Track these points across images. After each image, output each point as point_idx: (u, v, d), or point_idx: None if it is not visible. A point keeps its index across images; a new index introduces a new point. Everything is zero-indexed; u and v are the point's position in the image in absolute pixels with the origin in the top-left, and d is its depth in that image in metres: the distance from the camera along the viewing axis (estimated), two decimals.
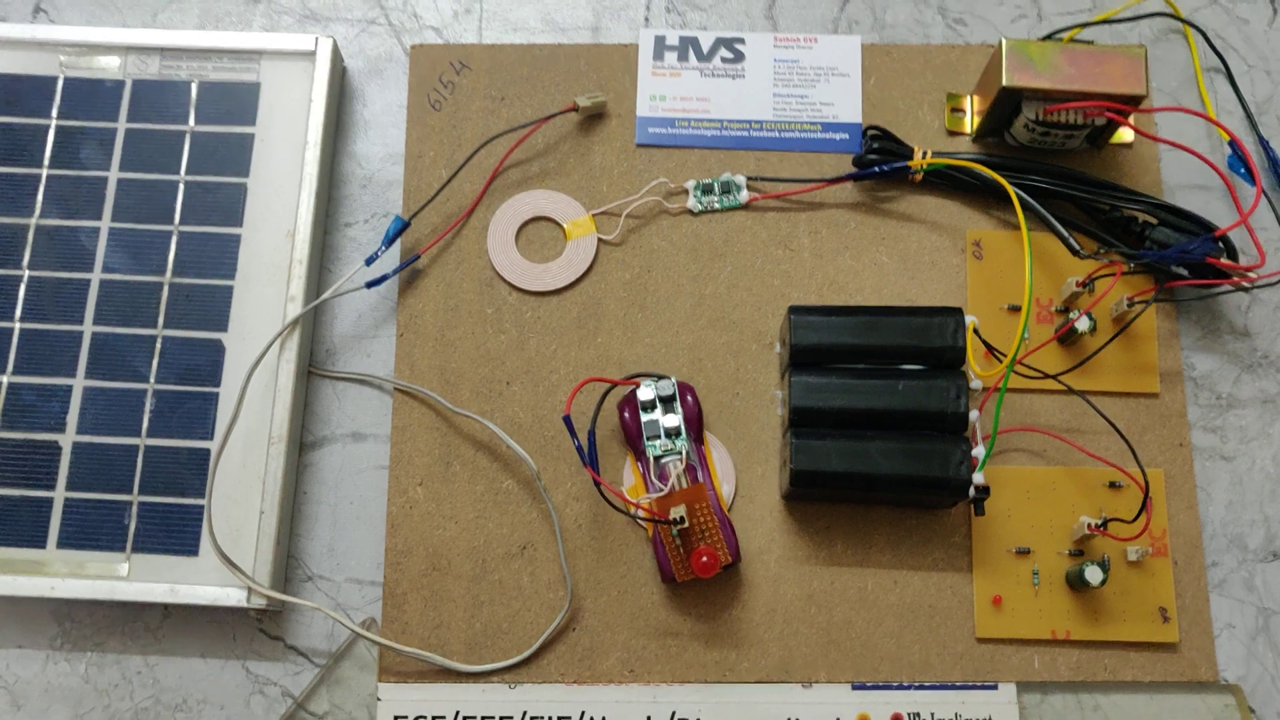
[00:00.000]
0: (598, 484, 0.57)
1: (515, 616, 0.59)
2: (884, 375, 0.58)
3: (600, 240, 0.64)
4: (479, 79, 0.66)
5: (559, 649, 0.59)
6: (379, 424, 0.62)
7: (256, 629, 0.60)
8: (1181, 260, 0.60)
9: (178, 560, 0.58)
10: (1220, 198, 0.64)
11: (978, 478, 0.56)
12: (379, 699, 0.58)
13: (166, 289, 0.62)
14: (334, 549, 0.61)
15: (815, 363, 0.59)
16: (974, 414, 0.57)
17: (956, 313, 0.58)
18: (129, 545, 0.58)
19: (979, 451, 0.57)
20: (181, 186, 0.63)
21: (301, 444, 0.62)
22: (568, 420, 0.56)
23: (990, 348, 0.60)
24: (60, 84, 0.65)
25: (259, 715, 0.58)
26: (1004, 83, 0.60)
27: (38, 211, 0.63)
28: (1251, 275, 0.60)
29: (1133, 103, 0.60)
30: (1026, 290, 0.56)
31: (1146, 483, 0.57)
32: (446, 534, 0.60)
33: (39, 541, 0.58)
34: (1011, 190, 0.59)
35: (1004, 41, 0.60)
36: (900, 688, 0.58)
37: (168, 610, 0.60)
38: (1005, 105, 0.62)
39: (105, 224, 0.63)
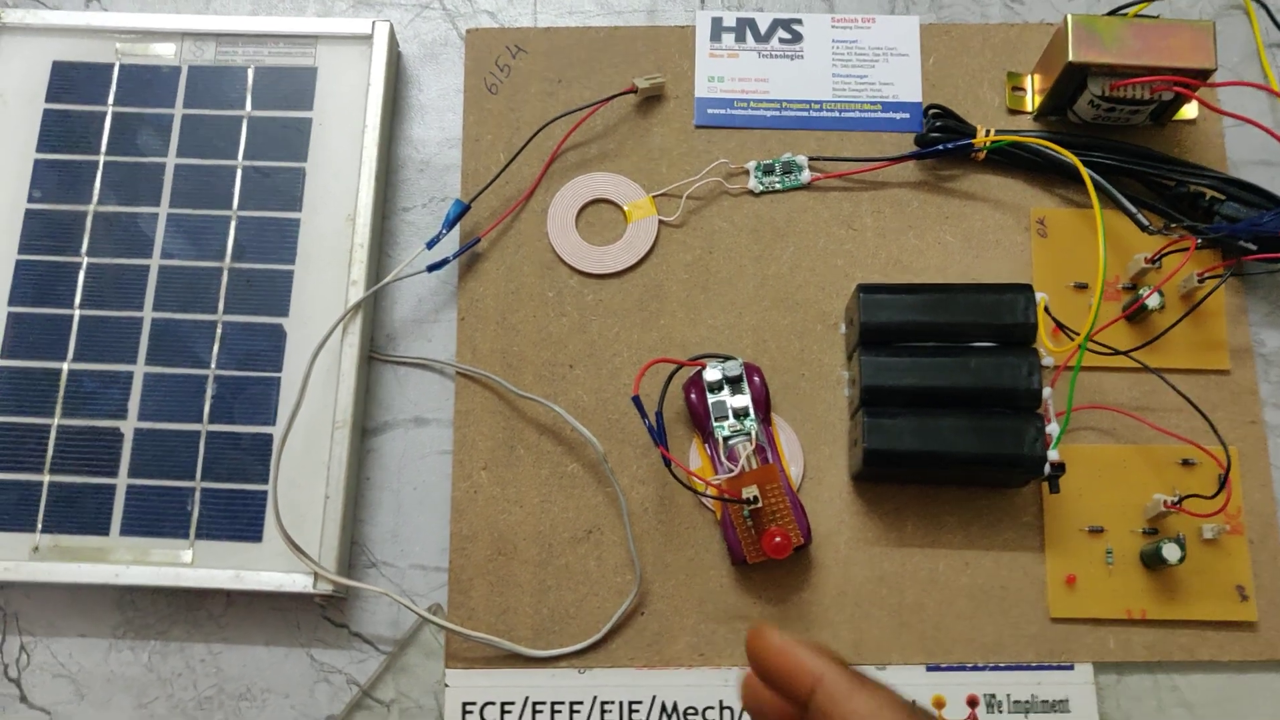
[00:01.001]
0: (669, 463, 0.56)
1: (583, 601, 0.58)
2: (954, 353, 0.57)
3: (661, 222, 0.63)
4: (535, 62, 0.66)
5: (628, 633, 0.58)
6: (441, 409, 0.61)
7: (320, 616, 0.59)
8: (1253, 234, 0.59)
9: (242, 546, 0.58)
10: None
11: (1053, 455, 0.55)
12: (446, 685, 0.57)
13: (226, 274, 0.61)
14: (398, 535, 0.60)
15: (884, 341, 0.58)
16: (1046, 391, 0.56)
17: (1027, 289, 0.57)
18: (192, 531, 0.58)
19: (1053, 429, 0.56)
20: (240, 171, 0.63)
21: (364, 429, 0.61)
22: (637, 400, 0.55)
23: (1060, 324, 0.59)
24: (116, 71, 0.64)
25: (324, 704, 0.58)
26: (1070, 58, 0.59)
27: (96, 198, 0.62)
28: None
29: (1201, 76, 0.59)
30: (1101, 266, 0.55)
31: (1229, 457, 0.56)
32: (512, 518, 0.59)
33: (102, 529, 0.58)
34: (1082, 166, 0.58)
35: (1069, 17, 0.59)
36: (975, 669, 0.57)
37: (230, 598, 0.59)
38: (1070, 81, 0.61)
39: (163, 210, 0.62)
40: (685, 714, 0.57)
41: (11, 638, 0.59)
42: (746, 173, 0.64)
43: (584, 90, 0.65)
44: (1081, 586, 0.58)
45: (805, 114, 0.65)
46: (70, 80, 0.64)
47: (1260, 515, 0.59)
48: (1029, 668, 0.57)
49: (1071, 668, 0.57)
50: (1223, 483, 0.56)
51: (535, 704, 0.57)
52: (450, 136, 0.66)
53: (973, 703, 0.57)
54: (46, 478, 0.58)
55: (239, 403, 0.59)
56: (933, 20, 0.67)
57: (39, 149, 0.63)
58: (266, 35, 0.65)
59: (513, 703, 0.57)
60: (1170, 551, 0.56)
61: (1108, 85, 0.60)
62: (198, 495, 0.58)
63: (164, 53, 0.65)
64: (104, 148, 0.63)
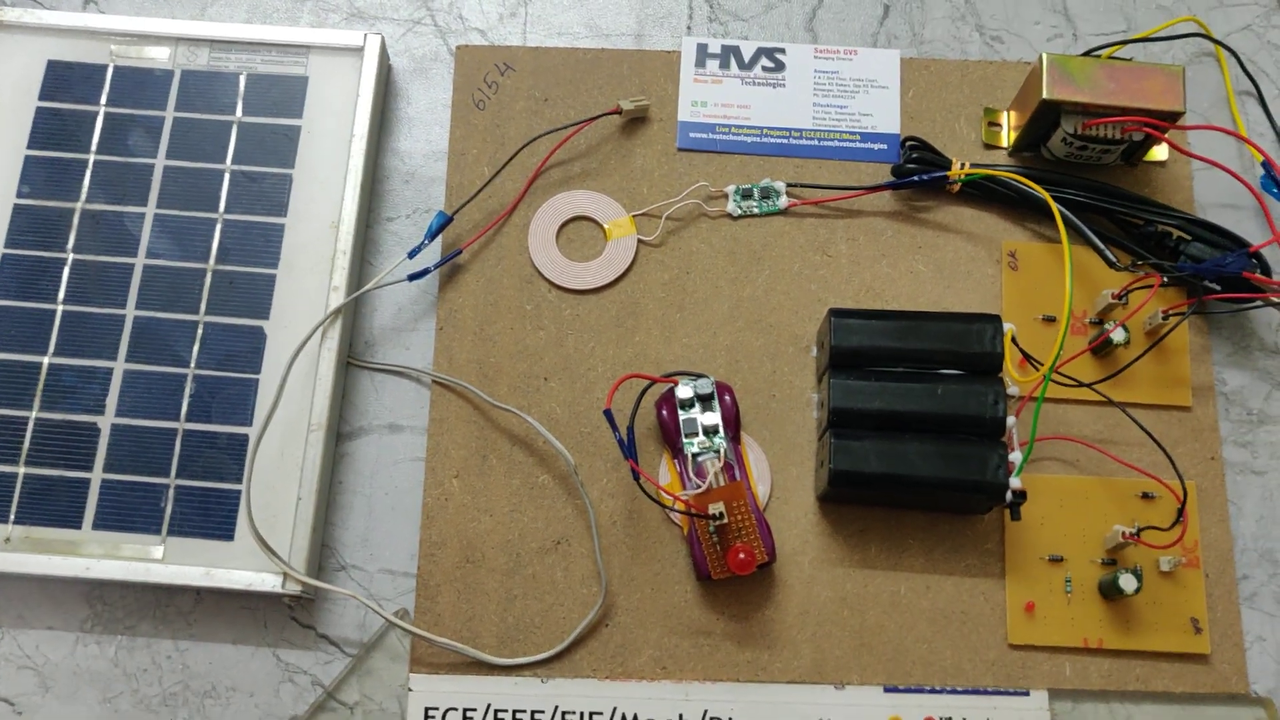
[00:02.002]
0: (637, 476, 0.57)
1: (548, 611, 0.59)
2: (922, 379, 0.58)
3: (640, 241, 0.65)
4: (523, 80, 0.67)
5: (592, 644, 0.59)
6: (416, 416, 0.62)
7: (288, 617, 0.59)
8: (1217, 274, 0.60)
9: (213, 544, 0.58)
10: (1251, 217, 0.65)
11: (1015, 482, 0.56)
12: (410, 690, 0.58)
13: (210, 275, 0.62)
14: (368, 539, 0.61)
15: (854, 365, 0.59)
16: (1011, 420, 0.58)
17: (995, 319, 0.59)
18: (165, 528, 0.58)
19: (1016, 456, 0.57)
20: (227, 175, 0.64)
21: (339, 434, 0.62)
22: (609, 414, 0.56)
23: (1027, 355, 0.60)
24: (110, 72, 0.65)
25: (288, 704, 0.58)
26: (1044, 95, 0.61)
27: (84, 196, 0.63)
28: None
29: (1170, 119, 0.61)
30: (1066, 299, 0.56)
31: (1185, 491, 0.57)
32: (481, 527, 0.60)
33: (75, 522, 0.58)
34: (1052, 202, 0.60)
35: (1045, 56, 0.61)
36: (932, 691, 0.58)
37: (200, 595, 0.60)
38: (1044, 119, 0.63)
39: (150, 210, 0.63)
40: None
41: None
42: (725, 196, 0.65)
43: (569, 109, 0.67)
44: (1040, 614, 0.59)
45: (785, 141, 0.66)
46: (64, 79, 0.65)
47: (1217, 550, 0.60)
48: (986, 692, 0.58)
49: (1028, 694, 0.58)
50: (1179, 516, 0.57)
51: (498, 711, 0.58)
52: (436, 150, 0.67)
53: None
54: (21, 469, 0.59)
55: (217, 402, 0.60)
56: (913, 55, 0.68)
57: (30, 145, 0.64)
58: (260, 43, 0.66)
59: (475, 709, 0.58)
60: (1127, 582, 0.57)
61: (1081, 124, 0.62)
62: (172, 492, 0.59)
63: (158, 56, 0.66)
64: (94, 147, 0.64)
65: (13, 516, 0.58)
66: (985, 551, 0.60)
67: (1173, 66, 0.61)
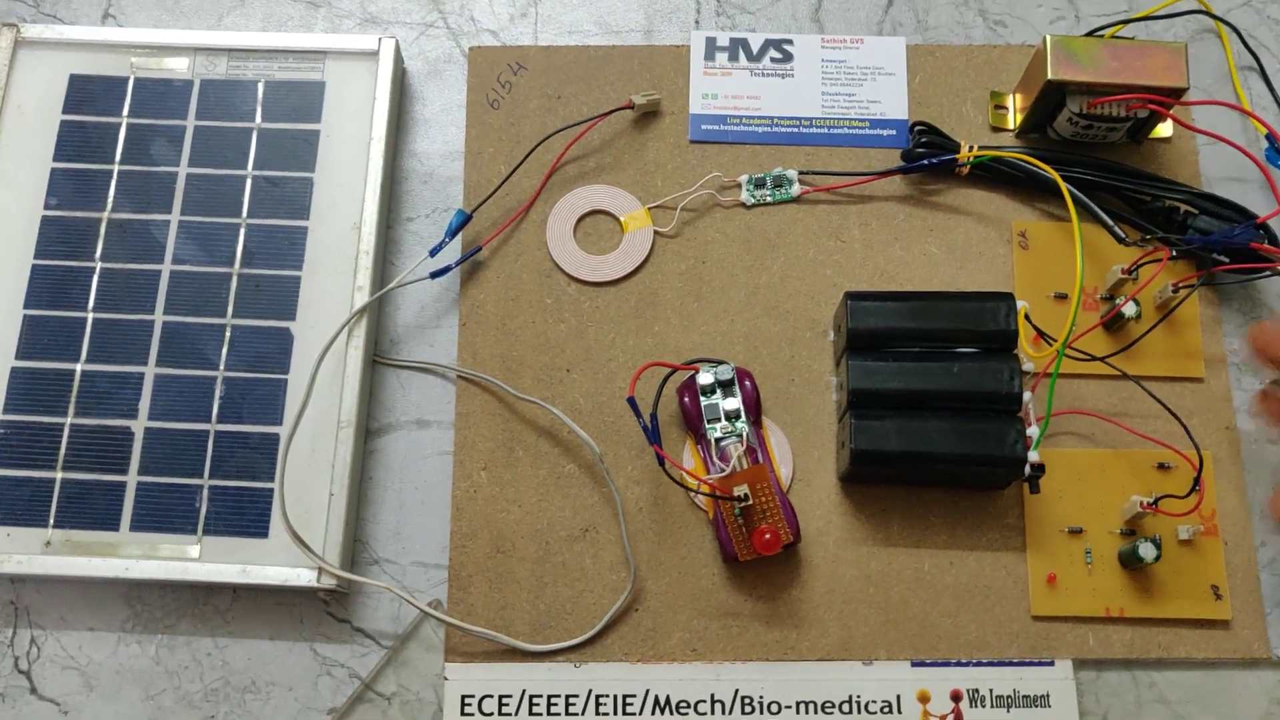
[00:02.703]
0: (663, 461, 0.58)
1: (579, 597, 0.60)
2: (939, 358, 0.59)
3: (656, 233, 0.66)
4: (535, 79, 0.68)
5: (622, 629, 0.60)
6: (442, 411, 0.63)
7: (324, 611, 0.61)
8: (1225, 246, 0.61)
9: (248, 542, 0.59)
10: (1257, 189, 0.66)
11: (1033, 456, 0.57)
12: (446, 679, 0.59)
13: (235, 279, 0.63)
14: (400, 533, 0.62)
15: (871, 346, 0.60)
16: (1027, 395, 0.59)
17: (1008, 297, 0.60)
18: (200, 527, 0.60)
19: (1033, 431, 0.58)
20: (249, 181, 0.65)
21: (367, 430, 0.63)
22: (632, 401, 0.57)
23: (1040, 332, 0.61)
24: (131, 84, 0.66)
25: (327, 696, 0.59)
26: (1049, 76, 0.62)
27: (110, 205, 0.64)
28: None
29: (1174, 95, 0.62)
30: (1078, 275, 0.57)
31: (1201, 459, 0.58)
32: (510, 517, 0.61)
33: (113, 524, 0.60)
34: (1061, 181, 0.61)
35: (1048, 37, 0.62)
36: (958, 665, 0.59)
37: (236, 593, 0.61)
38: (1049, 99, 0.64)
39: (175, 217, 0.64)
40: (678, 708, 0.59)
41: (22, 630, 0.60)
42: (739, 186, 0.66)
43: (582, 106, 0.68)
44: (1062, 585, 0.60)
45: (795, 130, 0.67)
46: (87, 93, 0.66)
47: (1234, 517, 0.61)
48: (1011, 664, 0.59)
49: (1052, 664, 0.59)
50: (1195, 484, 0.58)
51: (532, 697, 0.59)
52: (453, 150, 0.68)
53: (956, 697, 0.59)
54: (59, 475, 0.60)
55: (247, 403, 0.61)
56: (919, 41, 0.69)
57: (56, 158, 0.65)
58: (276, 51, 0.67)
59: (510, 696, 0.59)
60: (1146, 550, 0.58)
61: (1086, 103, 0.63)
62: (206, 492, 0.60)
63: (177, 67, 0.67)
64: (118, 157, 0.65)
65: (52, 520, 0.60)
66: (1006, 526, 0.61)
67: (1175, 44, 0.62)
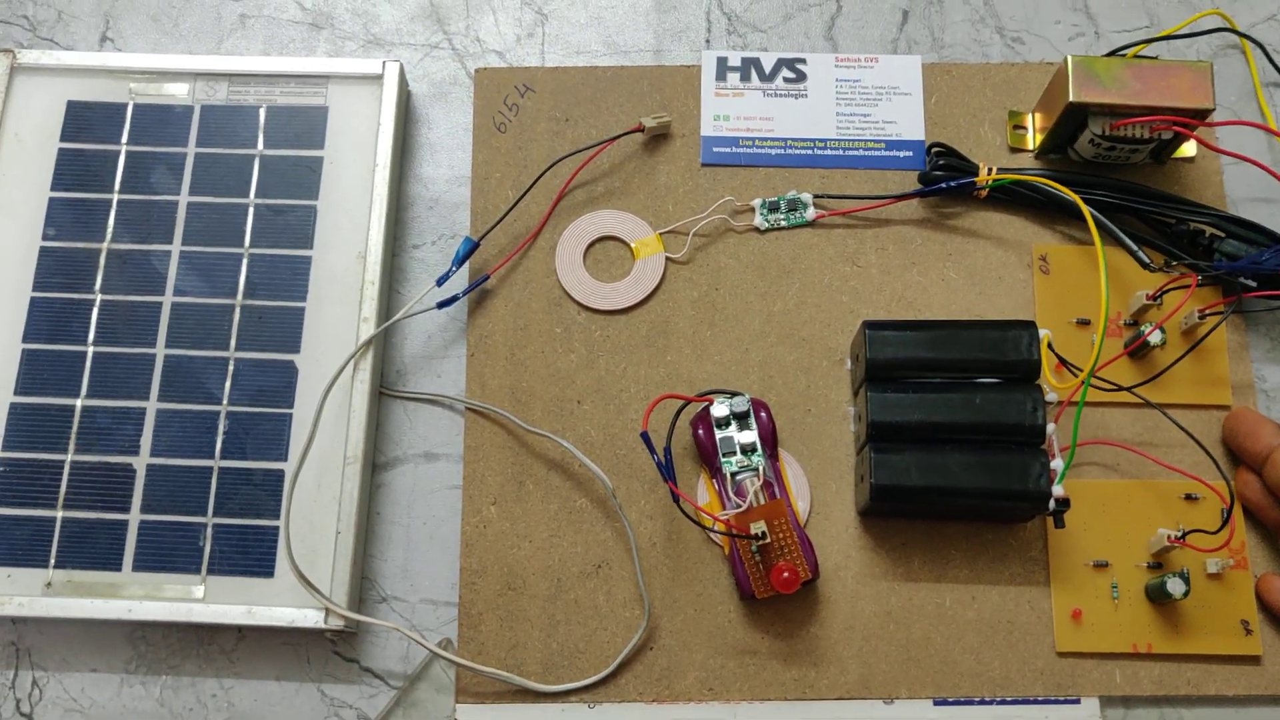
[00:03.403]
0: (677, 499, 0.56)
1: (592, 636, 0.59)
2: (959, 389, 0.58)
3: (668, 259, 0.64)
4: (543, 101, 0.67)
5: (637, 668, 0.58)
6: (450, 444, 0.62)
7: (331, 651, 0.59)
8: (1253, 271, 0.60)
9: (253, 582, 0.58)
10: None
11: (1057, 490, 0.56)
12: None
13: (238, 311, 0.62)
14: (408, 570, 0.60)
15: (891, 377, 0.59)
16: (1050, 426, 0.57)
17: (1030, 326, 0.58)
18: (204, 567, 0.58)
19: (1057, 464, 0.56)
20: (251, 210, 0.63)
21: (374, 465, 0.62)
22: (645, 436, 0.56)
23: (1063, 360, 0.60)
24: (130, 110, 0.65)
25: None
26: (1071, 98, 0.60)
27: (109, 236, 0.63)
28: None
29: (1200, 116, 0.60)
30: (1103, 303, 0.56)
31: (1232, 493, 0.57)
32: (521, 553, 0.60)
33: (115, 564, 0.58)
34: (1083, 204, 0.59)
35: (1070, 58, 0.60)
36: (982, 703, 0.58)
37: (242, 633, 0.59)
38: (1070, 121, 0.62)
39: (176, 247, 0.63)
40: None
41: (24, 672, 0.59)
42: (752, 210, 0.65)
43: (591, 129, 0.66)
44: (1087, 621, 0.58)
45: (810, 152, 0.66)
46: (85, 119, 0.65)
47: (1264, 550, 0.59)
48: (1036, 702, 0.58)
49: (1078, 702, 0.58)
50: (1226, 518, 0.56)
51: None
52: (459, 174, 0.66)
53: None
54: (60, 513, 0.59)
55: (251, 439, 0.60)
56: (934, 60, 0.68)
57: (54, 187, 0.64)
58: (278, 75, 0.65)
59: None
60: (1175, 586, 0.57)
61: (1108, 125, 0.61)
62: (210, 531, 0.59)
63: (177, 92, 0.66)
64: (118, 186, 0.64)
65: (53, 561, 0.58)
66: (1029, 559, 0.59)
67: (1200, 63, 0.60)
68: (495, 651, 0.59)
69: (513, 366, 0.63)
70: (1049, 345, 0.58)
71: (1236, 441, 0.60)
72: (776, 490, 0.59)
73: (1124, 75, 0.60)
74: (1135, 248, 0.61)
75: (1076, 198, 0.60)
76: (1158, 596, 0.58)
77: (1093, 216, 0.59)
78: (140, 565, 0.58)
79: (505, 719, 0.58)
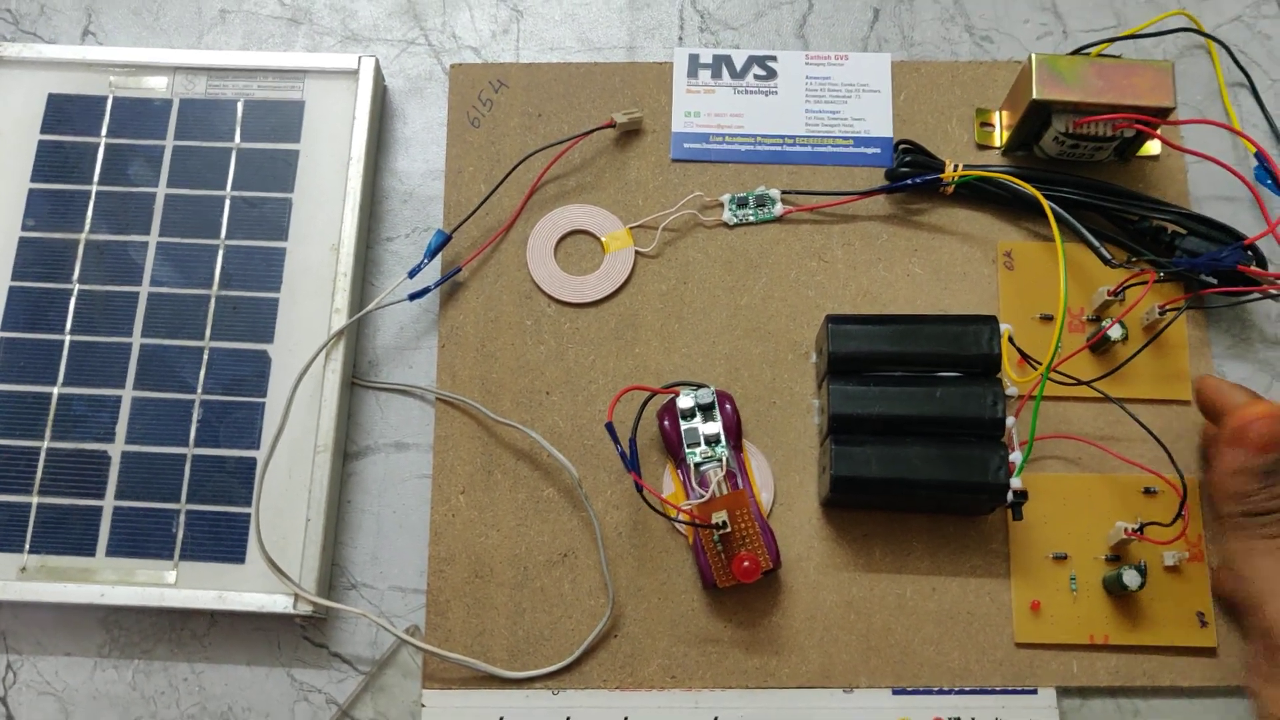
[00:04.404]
0: (641, 489, 0.57)
1: (557, 623, 0.60)
2: (921, 382, 0.59)
3: (637, 253, 0.65)
4: (517, 96, 0.68)
5: (601, 655, 0.59)
6: (421, 434, 0.63)
7: (301, 637, 0.60)
8: (1213, 268, 0.61)
9: (225, 568, 0.59)
10: (1246, 208, 0.65)
11: (1015, 482, 0.57)
12: (423, 705, 0.59)
13: (213, 301, 0.63)
14: (377, 557, 0.61)
15: (853, 370, 0.60)
16: (1010, 420, 0.58)
17: (991, 320, 0.59)
18: (177, 553, 0.59)
19: (1016, 457, 0.57)
20: (228, 202, 0.64)
21: (345, 454, 0.63)
22: (610, 427, 0.57)
23: (1025, 355, 0.61)
24: (110, 103, 0.66)
25: None
26: (1034, 96, 0.61)
27: (88, 227, 0.64)
28: None
29: (1161, 114, 0.61)
30: (1061, 298, 0.56)
31: (1185, 485, 0.57)
32: (489, 542, 0.61)
33: (88, 549, 0.59)
34: (1044, 201, 0.60)
35: (1034, 56, 0.61)
36: (940, 692, 0.59)
37: (214, 618, 0.60)
38: (1035, 119, 0.63)
39: (153, 238, 0.64)
40: None
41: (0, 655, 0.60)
42: (721, 205, 0.66)
43: (563, 124, 0.67)
44: (1046, 612, 0.59)
45: (779, 148, 0.67)
46: (65, 112, 0.66)
47: (1220, 543, 0.60)
48: (994, 692, 0.59)
49: (1035, 692, 0.59)
50: (1180, 512, 0.57)
51: None
52: (433, 168, 0.67)
53: None
54: (35, 499, 0.60)
55: (224, 427, 0.61)
56: (904, 58, 0.69)
57: (33, 179, 0.65)
58: (256, 70, 0.66)
59: None
60: (1131, 578, 0.57)
61: (1072, 122, 0.62)
62: (183, 517, 0.60)
63: (156, 86, 0.67)
64: (96, 178, 0.65)
65: (28, 546, 0.59)
66: (990, 552, 0.60)
67: (1162, 62, 0.61)
68: (462, 638, 0.60)
69: (483, 358, 0.64)
70: (1010, 339, 0.59)
71: (1206, 398, 0.60)
72: (740, 481, 0.59)
73: (1087, 73, 0.61)
74: (1097, 244, 0.61)
75: (1038, 193, 0.61)
76: (1115, 588, 0.59)
77: (1053, 212, 0.60)
78: (114, 550, 0.59)
79: (471, 704, 0.59)
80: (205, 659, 0.60)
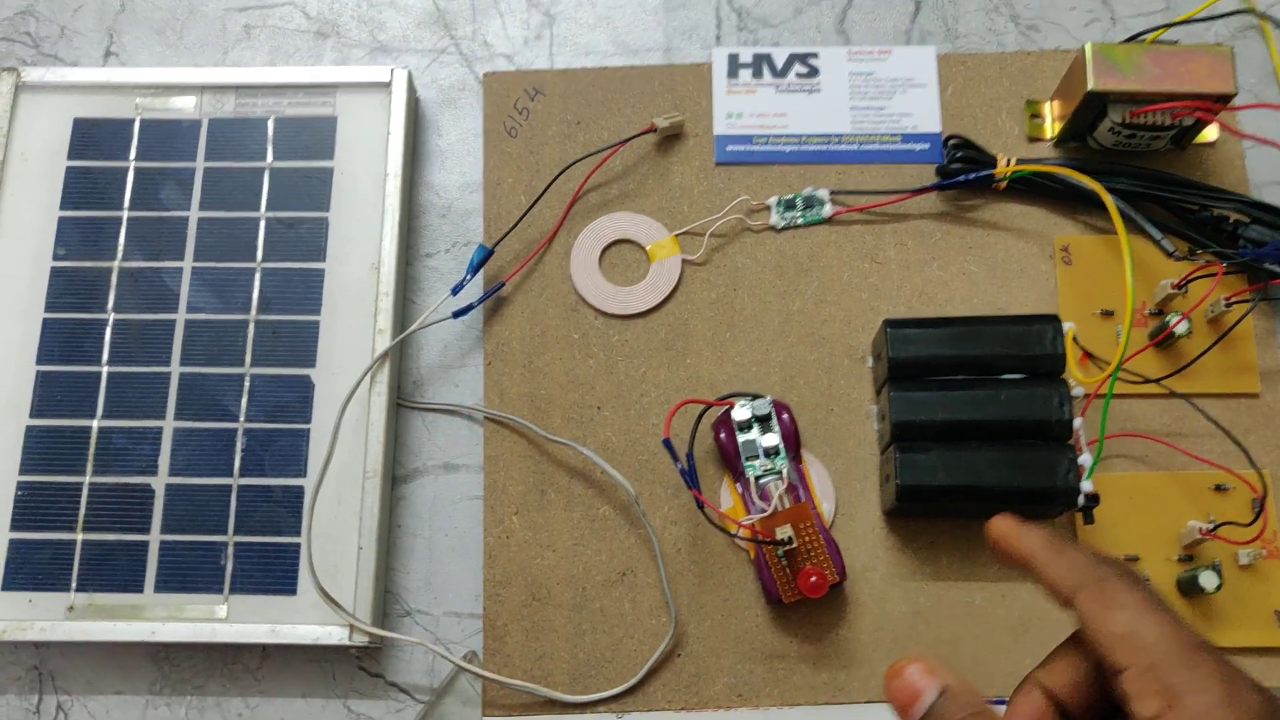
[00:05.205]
0: (702, 506, 0.56)
1: (618, 644, 0.58)
2: (983, 385, 0.57)
3: (684, 261, 0.63)
4: (553, 104, 0.66)
5: (665, 676, 0.58)
6: (470, 454, 0.61)
7: (356, 667, 0.59)
8: (1279, 257, 0.59)
9: (276, 600, 0.58)
10: None
11: (1086, 485, 0.55)
12: None
13: (252, 326, 0.61)
14: (431, 582, 0.60)
15: (913, 376, 0.58)
16: (1077, 421, 0.56)
17: (1054, 320, 0.57)
18: (226, 586, 0.58)
19: (1085, 459, 0.56)
20: (263, 223, 0.63)
21: (394, 477, 0.61)
22: (668, 443, 0.55)
23: (1088, 353, 0.59)
24: (137, 126, 0.64)
25: None
26: (1090, 87, 0.59)
27: (120, 254, 0.62)
28: None
29: (1222, 101, 0.59)
30: (1128, 295, 0.55)
31: (1265, 484, 0.56)
32: (545, 563, 0.59)
33: (136, 586, 0.58)
34: (1105, 194, 0.58)
35: (1088, 46, 0.59)
36: None
37: (266, 651, 0.59)
38: (1090, 110, 0.61)
39: (188, 264, 0.62)
40: None
41: (48, 696, 0.59)
42: (768, 209, 0.64)
43: (603, 131, 0.66)
44: None
45: (825, 148, 0.65)
46: (91, 137, 0.64)
47: None
48: None
49: None
50: (1259, 509, 0.56)
51: None
52: (471, 181, 0.66)
53: None
54: (80, 536, 0.58)
55: (269, 455, 0.59)
56: (949, 50, 0.67)
57: (62, 206, 0.63)
58: (285, 86, 0.65)
59: None
60: (1208, 579, 0.56)
61: (1128, 112, 0.60)
62: (231, 550, 0.58)
63: (184, 106, 0.65)
64: (127, 203, 0.63)
65: (74, 584, 0.58)
66: None
67: (1220, 47, 0.59)
68: (521, 663, 0.58)
69: (530, 374, 0.62)
70: (1074, 338, 0.57)
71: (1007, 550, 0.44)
72: (801, 493, 0.58)
73: (1143, 62, 0.59)
74: (1159, 236, 0.60)
75: (1099, 187, 0.59)
76: (1190, 590, 0.57)
77: (1116, 206, 0.58)
78: (162, 586, 0.58)
79: None
80: (259, 693, 0.59)
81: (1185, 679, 0.36)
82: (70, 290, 0.62)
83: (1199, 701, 0.35)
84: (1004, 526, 0.43)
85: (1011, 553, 0.43)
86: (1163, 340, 0.60)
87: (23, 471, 0.59)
